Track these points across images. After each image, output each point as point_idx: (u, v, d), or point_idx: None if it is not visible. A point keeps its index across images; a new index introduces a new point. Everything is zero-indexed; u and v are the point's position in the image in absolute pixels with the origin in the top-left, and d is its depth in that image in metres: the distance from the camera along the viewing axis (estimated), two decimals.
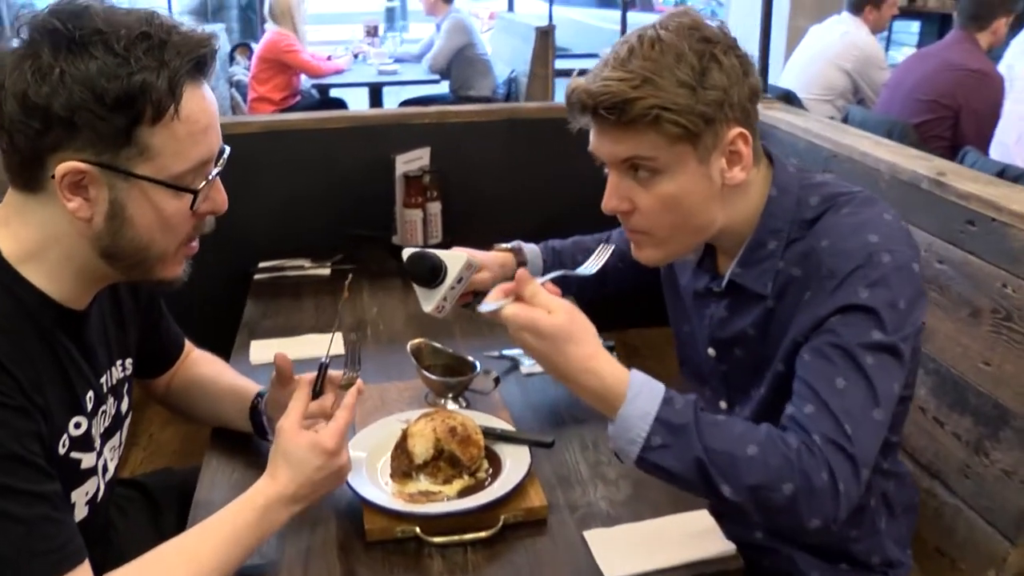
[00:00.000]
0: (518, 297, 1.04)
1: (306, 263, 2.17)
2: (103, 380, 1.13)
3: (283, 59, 4.97)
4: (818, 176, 1.22)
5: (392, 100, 6.07)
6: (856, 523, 1.24)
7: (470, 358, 1.47)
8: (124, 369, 1.20)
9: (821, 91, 3.77)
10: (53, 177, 0.93)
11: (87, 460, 1.08)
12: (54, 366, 1.02)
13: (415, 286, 1.43)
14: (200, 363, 1.43)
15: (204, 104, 0.99)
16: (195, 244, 1.08)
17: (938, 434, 1.56)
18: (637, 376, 1.04)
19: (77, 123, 0.91)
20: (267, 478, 1.10)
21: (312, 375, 1.24)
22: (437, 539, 1.13)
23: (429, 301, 1.41)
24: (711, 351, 1.30)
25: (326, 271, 2.15)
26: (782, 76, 4.00)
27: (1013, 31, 3.56)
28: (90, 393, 1.09)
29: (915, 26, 6.13)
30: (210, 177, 1.02)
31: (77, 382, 1.06)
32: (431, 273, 1.39)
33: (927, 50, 3.61)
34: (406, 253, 1.43)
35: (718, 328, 1.26)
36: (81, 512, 1.09)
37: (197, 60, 0.95)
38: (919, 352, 1.21)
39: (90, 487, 1.10)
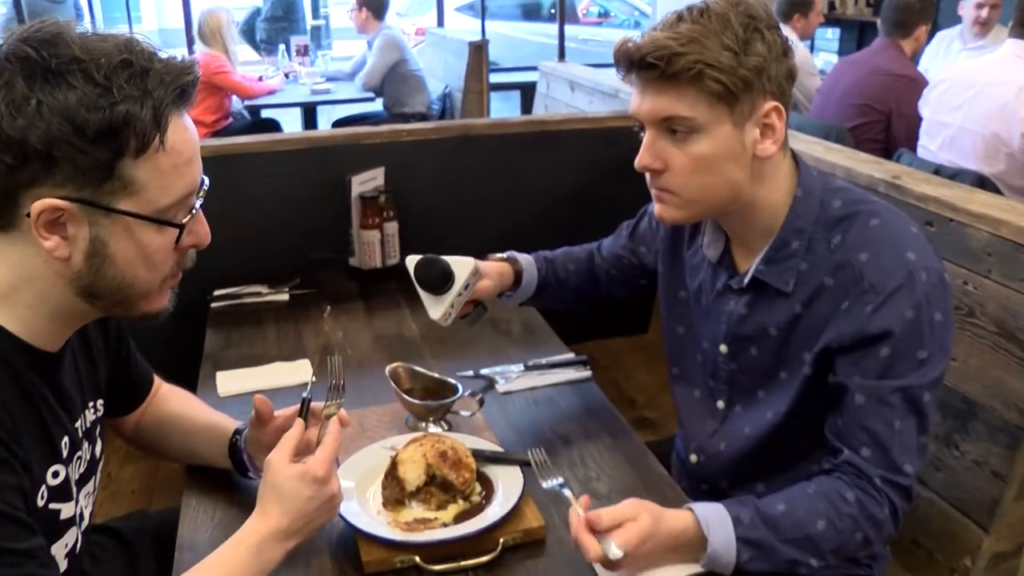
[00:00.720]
0: (600, 531, 1.04)
1: (263, 289, 2.11)
2: (78, 424, 1.07)
3: (214, 81, 4.84)
4: (837, 180, 1.26)
5: (325, 119, 6.00)
6: None
7: (450, 380, 1.45)
8: (96, 411, 1.14)
9: None
10: (28, 215, 0.88)
11: (66, 510, 1.02)
12: (30, 414, 0.97)
13: (421, 293, 1.40)
14: (171, 399, 1.38)
15: (187, 135, 0.95)
16: (178, 276, 1.04)
17: None
18: (700, 511, 1.10)
19: (56, 157, 0.86)
20: (258, 515, 1.05)
21: (294, 408, 1.21)
22: (437, 567, 1.10)
23: (437, 308, 1.39)
24: (724, 348, 1.31)
25: (284, 296, 2.10)
26: None
27: (929, 38, 3.72)
28: (66, 439, 1.03)
29: (834, 32, 6.34)
30: (193, 210, 0.98)
31: (54, 429, 1.00)
32: (441, 278, 1.37)
33: (856, 56, 3.73)
34: (411, 260, 1.40)
35: (736, 325, 1.28)
36: (61, 566, 1.03)
37: (181, 89, 0.92)
38: None
39: (69, 539, 1.04)
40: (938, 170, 2.64)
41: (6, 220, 0.91)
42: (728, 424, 1.34)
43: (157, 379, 1.39)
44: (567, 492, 1.13)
